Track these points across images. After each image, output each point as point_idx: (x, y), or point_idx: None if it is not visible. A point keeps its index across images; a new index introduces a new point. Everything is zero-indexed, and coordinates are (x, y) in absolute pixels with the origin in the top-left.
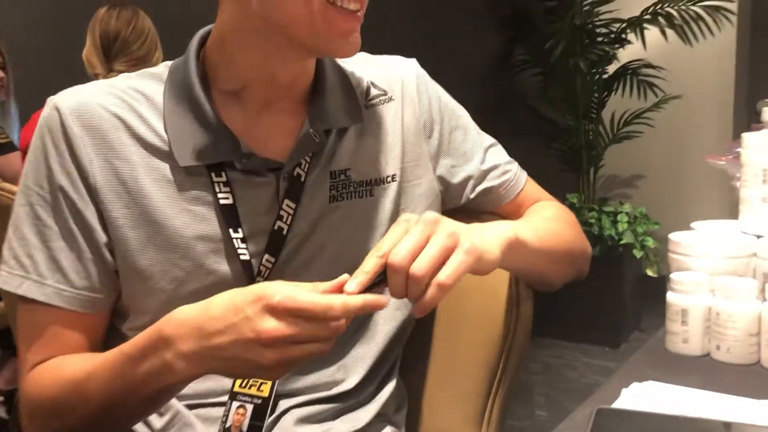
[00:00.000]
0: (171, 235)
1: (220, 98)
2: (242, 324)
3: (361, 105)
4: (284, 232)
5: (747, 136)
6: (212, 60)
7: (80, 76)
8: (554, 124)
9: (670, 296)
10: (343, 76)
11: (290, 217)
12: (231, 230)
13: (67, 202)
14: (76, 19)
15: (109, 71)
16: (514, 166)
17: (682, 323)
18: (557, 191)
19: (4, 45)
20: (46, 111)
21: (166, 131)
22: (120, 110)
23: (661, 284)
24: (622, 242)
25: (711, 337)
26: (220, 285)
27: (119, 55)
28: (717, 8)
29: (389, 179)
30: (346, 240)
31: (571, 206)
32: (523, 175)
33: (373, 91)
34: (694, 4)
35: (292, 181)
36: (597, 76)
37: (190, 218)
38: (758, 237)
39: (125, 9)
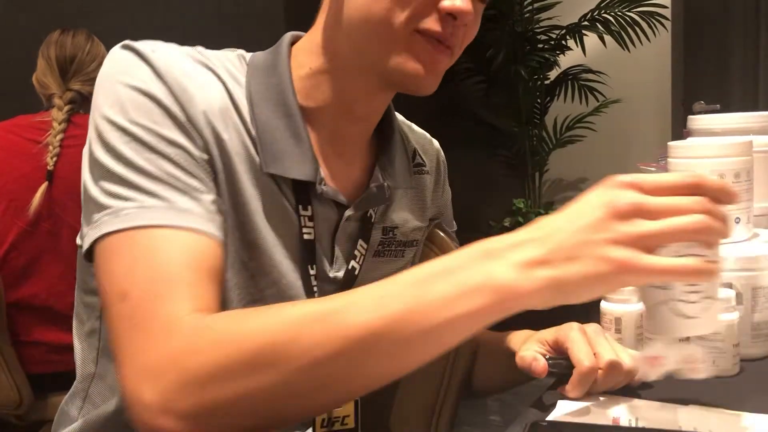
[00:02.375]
0: (257, 244)
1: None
2: (590, 210)
3: (411, 169)
4: (356, 272)
5: (673, 146)
6: (295, 69)
7: (17, 93)
8: (498, 131)
9: (603, 305)
10: (402, 134)
11: (362, 258)
12: (309, 266)
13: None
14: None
15: (66, 90)
16: None
17: (615, 331)
18: (503, 196)
19: None
20: (147, 54)
21: (255, 127)
22: (216, 90)
23: None
24: None
25: (644, 344)
26: None
27: (76, 74)
28: (651, 14)
29: (415, 243)
30: None
31: (518, 211)
32: None
33: (418, 159)
34: (629, 10)
35: (365, 222)
36: (539, 82)
37: (276, 238)
38: None
39: (79, 33)
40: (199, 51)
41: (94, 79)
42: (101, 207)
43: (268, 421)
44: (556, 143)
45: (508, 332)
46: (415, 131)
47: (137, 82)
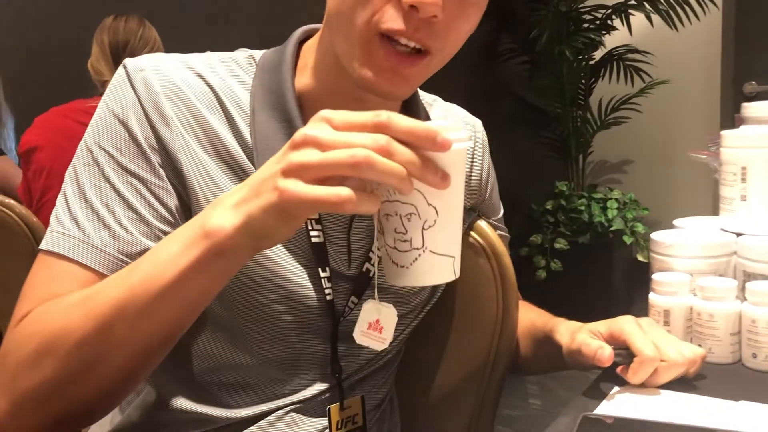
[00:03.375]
0: (260, 257)
1: (306, 113)
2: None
3: None
4: (371, 274)
5: (726, 134)
6: (300, 69)
7: (76, 78)
8: (542, 112)
9: (652, 297)
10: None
11: (378, 259)
12: (320, 269)
13: (143, 173)
14: (69, 19)
15: None
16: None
17: (664, 323)
18: (546, 179)
19: None
20: (133, 74)
21: (253, 138)
22: (204, 103)
23: (649, 268)
24: (612, 229)
25: (693, 336)
26: (301, 322)
27: None
28: None
29: None
30: None
31: (561, 193)
32: None
33: None
34: None
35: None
36: (583, 63)
37: (280, 246)
38: (738, 235)
39: (132, 18)
40: (203, 59)
41: None
42: (52, 221)
43: (63, 406)
44: (601, 125)
45: (553, 319)
46: (454, 115)
47: (115, 105)
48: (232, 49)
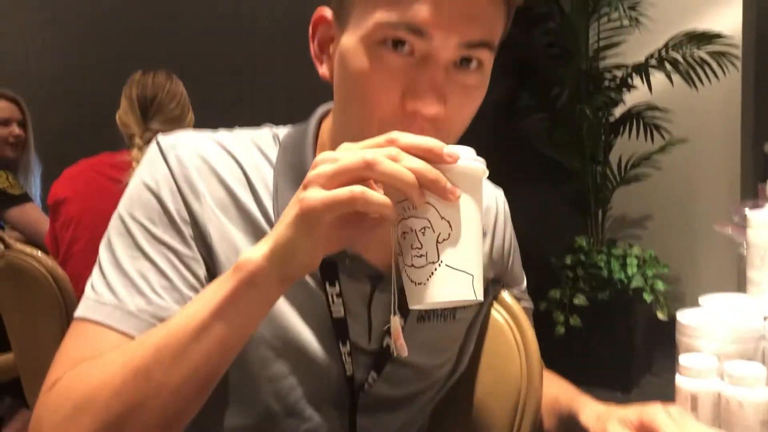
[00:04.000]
0: (279, 329)
1: None
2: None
3: None
4: (392, 350)
5: (752, 216)
6: (323, 145)
7: (102, 127)
8: (561, 167)
9: (678, 380)
10: None
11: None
12: (340, 343)
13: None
14: (100, 72)
15: (145, 130)
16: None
17: (691, 409)
18: (565, 234)
19: (23, 101)
20: (167, 150)
21: (276, 214)
22: (233, 180)
23: (672, 327)
24: (632, 286)
25: (721, 422)
26: (320, 395)
27: (156, 115)
28: (721, 53)
29: (470, 304)
30: (426, 356)
31: (580, 248)
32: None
33: None
34: (698, 49)
35: (403, 295)
36: (603, 120)
37: (300, 319)
38: (766, 319)
39: (160, 73)
40: (231, 136)
41: (173, 119)
42: (87, 290)
43: None
44: (620, 181)
45: (578, 397)
46: None
47: (148, 179)
48: (256, 110)
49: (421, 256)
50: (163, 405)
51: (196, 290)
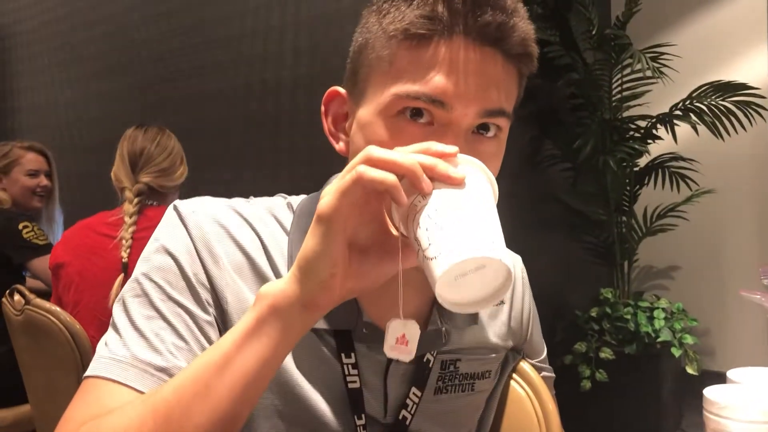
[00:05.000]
0: (293, 398)
1: None
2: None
3: None
4: (407, 422)
5: None
6: None
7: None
8: (586, 218)
9: None
10: None
11: (415, 407)
12: (355, 417)
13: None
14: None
15: (135, 183)
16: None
17: None
18: (591, 285)
19: (52, 154)
20: (186, 215)
21: None
22: (250, 246)
23: (701, 381)
24: (659, 340)
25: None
26: None
27: (144, 167)
28: (747, 103)
29: (488, 374)
30: (444, 429)
31: (605, 301)
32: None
33: None
34: (724, 99)
35: (421, 367)
36: (628, 170)
37: (314, 390)
38: None
39: (152, 128)
40: (246, 204)
41: (162, 171)
42: (99, 349)
43: None
44: (646, 232)
45: None
46: None
47: (167, 241)
48: (279, 167)
49: (430, 229)
50: None
51: None
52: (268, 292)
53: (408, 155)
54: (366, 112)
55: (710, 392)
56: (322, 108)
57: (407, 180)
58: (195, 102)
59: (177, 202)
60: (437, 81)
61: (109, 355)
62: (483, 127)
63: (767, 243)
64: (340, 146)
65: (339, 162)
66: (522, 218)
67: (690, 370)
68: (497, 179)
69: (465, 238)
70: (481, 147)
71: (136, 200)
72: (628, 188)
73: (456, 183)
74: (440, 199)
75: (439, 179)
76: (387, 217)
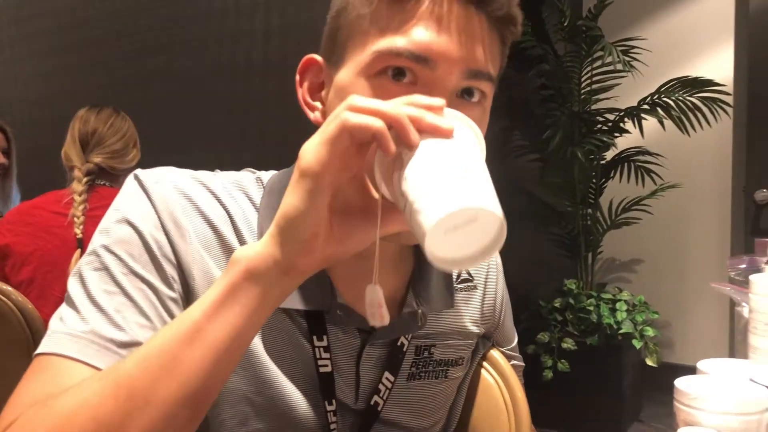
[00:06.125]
0: (261, 383)
1: None
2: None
3: (453, 288)
4: (379, 408)
5: (755, 280)
6: None
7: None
8: (552, 210)
9: None
10: None
11: (388, 393)
12: (326, 401)
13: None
14: (82, 99)
15: (85, 162)
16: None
17: None
18: (555, 276)
19: (11, 130)
20: (149, 186)
21: None
22: (218, 219)
23: (660, 374)
24: (621, 331)
25: None
26: None
27: (96, 148)
28: (713, 99)
29: (461, 361)
30: (416, 417)
31: (569, 292)
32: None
33: (464, 275)
34: (690, 95)
35: (395, 351)
36: (595, 163)
37: (283, 374)
38: None
39: (105, 109)
40: (212, 177)
41: (114, 152)
42: (53, 325)
43: None
44: (611, 224)
45: None
46: None
47: (130, 212)
48: (251, 149)
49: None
50: (149, 425)
51: None
52: (243, 255)
53: (394, 105)
54: (345, 74)
55: (681, 383)
56: (297, 77)
57: (393, 132)
58: (161, 80)
59: (138, 171)
60: (420, 34)
61: (65, 330)
62: (467, 92)
63: (728, 238)
64: (315, 116)
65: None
66: None
67: (650, 362)
68: None
69: (456, 187)
70: (465, 112)
71: (85, 179)
72: (594, 181)
73: (445, 134)
74: (428, 149)
75: (427, 130)
76: (368, 179)
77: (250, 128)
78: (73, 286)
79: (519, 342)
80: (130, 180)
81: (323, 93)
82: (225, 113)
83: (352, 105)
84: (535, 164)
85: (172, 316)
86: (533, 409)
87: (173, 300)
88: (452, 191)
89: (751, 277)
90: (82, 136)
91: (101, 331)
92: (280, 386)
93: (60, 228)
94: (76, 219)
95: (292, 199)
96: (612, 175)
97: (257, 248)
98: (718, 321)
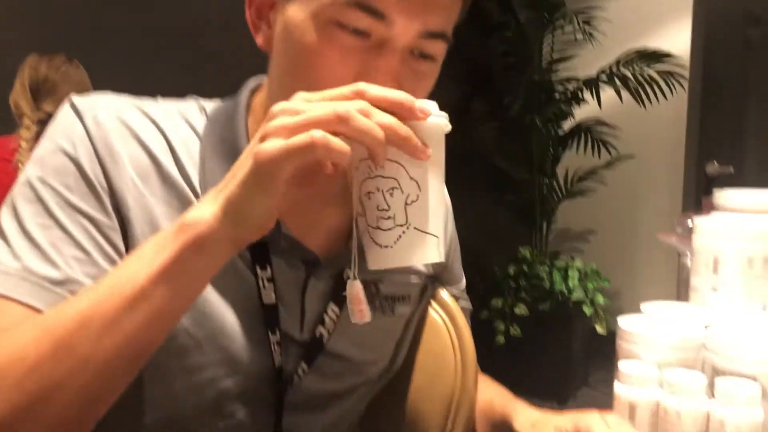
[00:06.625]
0: (201, 315)
1: None
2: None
3: None
4: (324, 340)
5: (699, 222)
6: (257, 120)
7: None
8: (509, 178)
9: (617, 388)
10: None
11: (333, 324)
12: (269, 331)
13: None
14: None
15: (35, 110)
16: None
17: (629, 418)
18: (510, 243)
19: None
20: (83, 112)
21: (202, 187)
22: (156, 147)
23: (610, 341)
24: (572, 298)
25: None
26: (244, 389)
27: (48, 97)
28: (670, 72)
29: (408, 299)
30: (360, 350)
31: (523, 259)
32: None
33: None
34: (648, 67)
35: (341, 283)
36: (552, 132)
37: (226, 304)
38: (707, 327)
39: (57, 56)
40: (153, 104)
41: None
42: None
43: None
44: (566, 194)
45: (512, 402)
46: None
47: (65, 142)
48: (197, 79)
49: (388, 218)
50: (88, 383)
51: (114, 263)
52: (194, 225)
53: (383, 118)
54: (297, 11)
55: (623, 321)
56: None
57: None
58: (114, 32)
59: (73, 97)
60: None
61: None
62: (421, 54)
63: (679, 210)
64: (260, 40)
65: (255, 69)
66: (449, 175)
67: (599, 330)
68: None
69: (414, 244)
70: (417, 66)
71: (34, 128)
72: (551, 150)
73: (421, 159)
74: (398, 179)
75: (406, 152)
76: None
77: (197, 53)
78: (5, 219)
79: (473, 307)
80: (64, 107)
81: (271, 15)
82: (168, 38)
83: (336, 115)
84: (495, 132)
85: (113, 244)
86: (485, 372)
87: (113, 229)
88: (409, 246)
89: (695, 219)
90: (33, 84)
91: (34, 267)
92: (221, 318)
93: (3, 174)
94: (21, 165)
95: (243, 191)
96: (569, 144)
97: (208, 220)
98: (668, 292)
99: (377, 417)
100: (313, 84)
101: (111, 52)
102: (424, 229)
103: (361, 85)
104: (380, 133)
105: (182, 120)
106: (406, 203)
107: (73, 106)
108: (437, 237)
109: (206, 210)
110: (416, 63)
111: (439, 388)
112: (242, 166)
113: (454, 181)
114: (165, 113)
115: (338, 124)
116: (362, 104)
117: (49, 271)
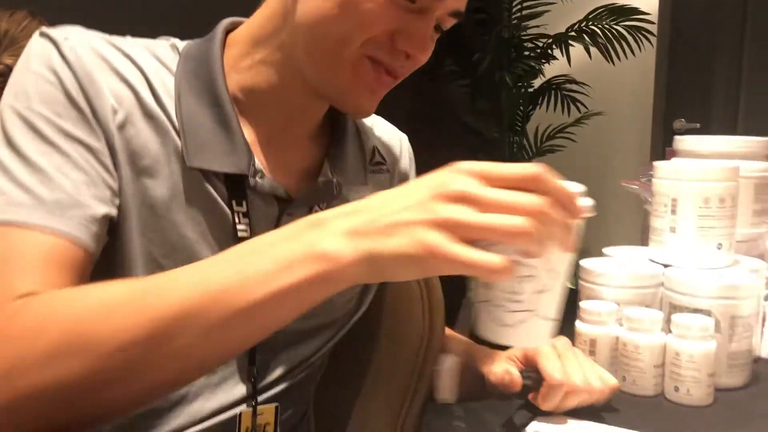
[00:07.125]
0: (174, 248)
1: (237, 104)
2: (420, 189)
3: (366, 167)
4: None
5: (658, 166)
6: (233, 58)
7: None
8: (480, 136)
9: (578, 325)
10: (357, 129)
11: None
12: None
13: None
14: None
15: None
16: None
17: (590, 353)
18: None
19: None
20: (60, 41)
21: (179, 120)
22: (134, 79)
23: (576, 296)
24: None
25: (618, 368)
26: None
27: (7, 48)
28: (638, 28)
29: None
30: None
31: None
32: None
33: (377, 157)
34: (617, 23)
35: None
36: (522, 90)
37: (200, 237)
38: (666, 267)
39: (19, 11)
40: (124, 40)
41: None
42: None
43: (84, 410)
44: (536, 152)
45: (473, 346)
46: (380, 127)
47: (45, 70)
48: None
49: (517, 302)
50: (173, 373)
51: (113, 191)
52: (329, 257)
53: (559, 224)
54: None
55: (585, 262)
56: None
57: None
58: None
59: (43, 29)
60: None
61: (4, 200)
62: (437, 26)
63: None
64: None
65: (229, 10)
66: (418, 132)
67: (567, 284)
68: (399, 88)
69: (535, 329)
70: (433, 36)
71: None
72: (521, 108)
73: (567, 252)
74: (538, 268)
75: (562, 248)
76: None
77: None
78: (2, 152)
79: None
80: (36, 39)
81: None
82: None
83: (517, 229)
84: (465, 90)
85: (109, 172)
86: (455, 318)
87: (106, 156)
88: (531, 331)
89: (655, 162)
90: None
91: (43, 194)
92: (192, 249)
93: None
94: None
95: (394, 262)
96: (540, 101)
97: (349, 263)
98: (634, 240)
99: (347, 360)
100: (360, 21)
101: (82, 15)
102: (549, 316)
103: (540, 173)
104: (560, 242)
105: (153, 56)
106: (539, 291)
107: (47, 36)
108: (557, 320)
109: (346, 249)
110: (433, 33)
111: (408, 333)
112: (401, 235)
113: (425, 140)
114: (136, 48)
115: (518, 241)
116: (544, 208)
117: (58, 195)
